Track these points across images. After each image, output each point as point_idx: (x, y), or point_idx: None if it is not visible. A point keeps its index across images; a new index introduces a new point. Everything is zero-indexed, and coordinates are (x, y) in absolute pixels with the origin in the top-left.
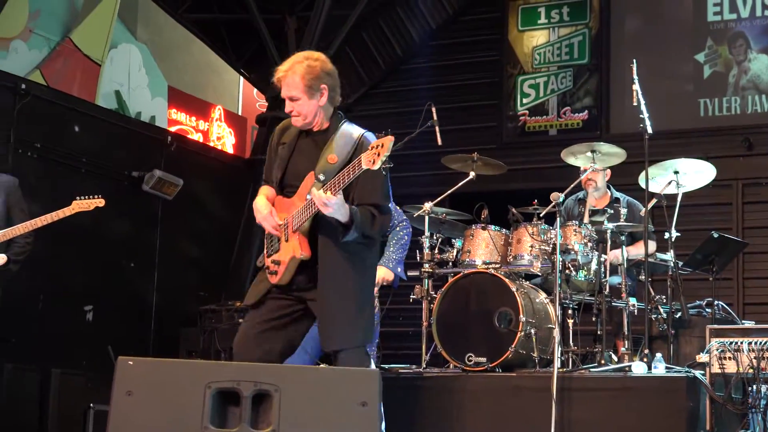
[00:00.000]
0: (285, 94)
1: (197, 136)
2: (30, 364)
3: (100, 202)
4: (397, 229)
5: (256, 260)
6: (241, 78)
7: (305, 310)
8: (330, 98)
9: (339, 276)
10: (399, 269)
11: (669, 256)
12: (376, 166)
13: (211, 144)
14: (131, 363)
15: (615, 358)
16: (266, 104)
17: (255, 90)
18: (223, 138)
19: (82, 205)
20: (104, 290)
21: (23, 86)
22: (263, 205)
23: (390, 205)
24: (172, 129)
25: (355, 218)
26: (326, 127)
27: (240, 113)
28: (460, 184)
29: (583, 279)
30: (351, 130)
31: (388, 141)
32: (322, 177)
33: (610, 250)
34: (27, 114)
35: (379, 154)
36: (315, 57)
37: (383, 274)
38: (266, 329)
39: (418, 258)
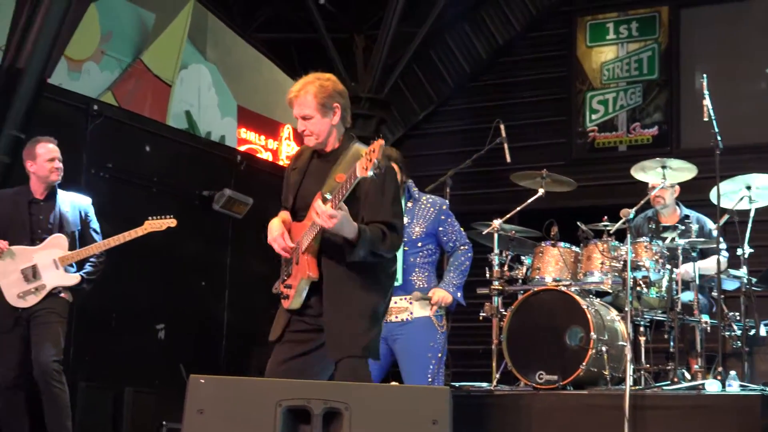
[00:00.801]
0: (297, 113)
1: (267, 155)
2: (103, 382)
3: (172, 222)
4: (459, 252)
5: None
6: None
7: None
8: (342, 118)
9: (343, 293)
10: (459, 294)
11: (742, 272)
12: (369, 173)
13: (281, 163)
14: (203, 381)
15: (688, 375)
16: None
17: None
18: None
19: (154, 225)
20: (176, 309)
21: (95, 107)
22: (276, 226)
23: (456, 226)
24: (242, 148)
25: (362, 234)
26: (337, 147)
27: None
28: (529, 201)
29: (654, 296)
30: (359, 150)
31: (378, 145)
32: (328, 196)
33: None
34: (99, 135)
35: (371, 160)
36: (326, 77)
37: (442, 295)
38: (292, 367)
39: (487, 275)
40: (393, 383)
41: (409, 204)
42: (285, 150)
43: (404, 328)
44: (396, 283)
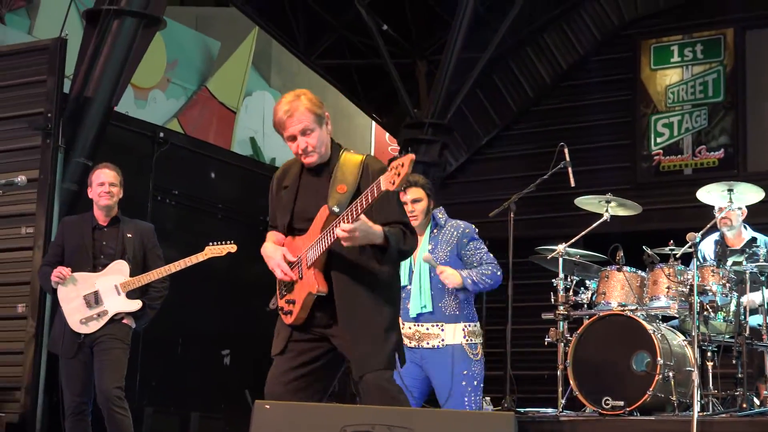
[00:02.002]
0: (295, 129)
1: None
2: (170, 407)
3: (232, 248)
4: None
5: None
6: (373, 122)
7: (333, 350)
8: (329, 127)
9: (357, 308)
10: (469, 282)
11: None
12: (398, 187)
13: None
14: (268, 407)
15: (757, 401)
16: (398, 148)
17: (387, 134)
18: None
19: (214, 250)
20: (240, 334)
21: (161, 134)
22: (273, 250)
23: (480, 250)
24: None
25: (390, 237)
26: (328, 159)
27: None
28: (594, 225)
29: (722, 321)
30: (353, 157)
31: (409, 160)
32: (336, 209)
33: (749, 290)
34: (165, 161)
35: (399, 174)
36: (304, 91)
37: (452, 272)
38: (295, 378)
39: (552, 300)
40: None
41: (435, 231)
42: None
43: (436, 355)
44: (425, 311)
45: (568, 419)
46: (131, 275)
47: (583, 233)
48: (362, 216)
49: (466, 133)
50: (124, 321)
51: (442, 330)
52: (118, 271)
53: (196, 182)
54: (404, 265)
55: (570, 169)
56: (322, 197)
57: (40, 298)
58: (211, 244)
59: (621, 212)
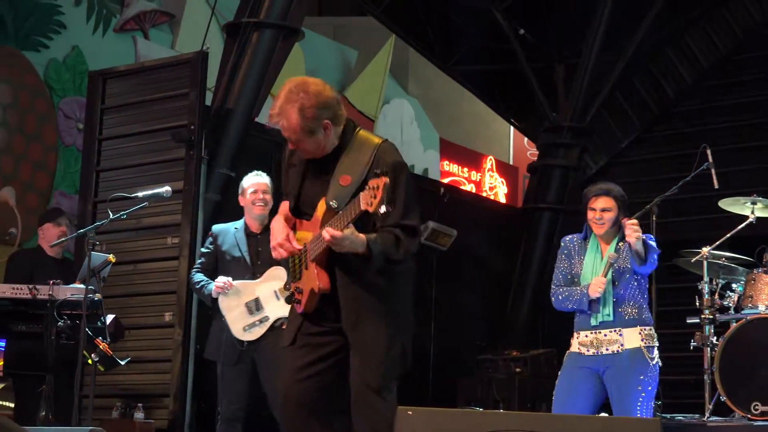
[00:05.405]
0: (284, 134)
1: (470, 187)
2: None
3: None
4: None
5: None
6: (512, 127)
7: (346, 341)
8: (336, 124)
9: (361, 309)
10: (650, 242)
11: None
12: (374, 209)
13: (484, 194)
14: (410, 413)
15: None
16: (537, 152)
17: (525, 139)
18: (496, 188)
19: None
20: None
21: None
22: (279, 229)
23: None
24: (445, 180)
25: (373, 248)
26: (337, 145)
27: (511, 162)
28: (739, 227)
29: None
30: (365, 141)
31: (382, 183)
32: (334, 204)
33: None
34: None
35: (375, 197)
36: (305, 90)
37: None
38: (309, 376)
39: (697, 304)
40: (603, 414)
41: (621, 244)
42: (488, 181)
43: (615, 360)
44: (607, 319)
45: (716, 425)
46: None
47: (728, 235)
48: (350, 227)
49: (605, 136)
50: (284, 327)
51: (621, 335)
52: (276, 276)
53: None
54: (592, 267)
55: (713, 171)
56: (324, 187)
57: (187, 307)
58: None
59: (767, 213)
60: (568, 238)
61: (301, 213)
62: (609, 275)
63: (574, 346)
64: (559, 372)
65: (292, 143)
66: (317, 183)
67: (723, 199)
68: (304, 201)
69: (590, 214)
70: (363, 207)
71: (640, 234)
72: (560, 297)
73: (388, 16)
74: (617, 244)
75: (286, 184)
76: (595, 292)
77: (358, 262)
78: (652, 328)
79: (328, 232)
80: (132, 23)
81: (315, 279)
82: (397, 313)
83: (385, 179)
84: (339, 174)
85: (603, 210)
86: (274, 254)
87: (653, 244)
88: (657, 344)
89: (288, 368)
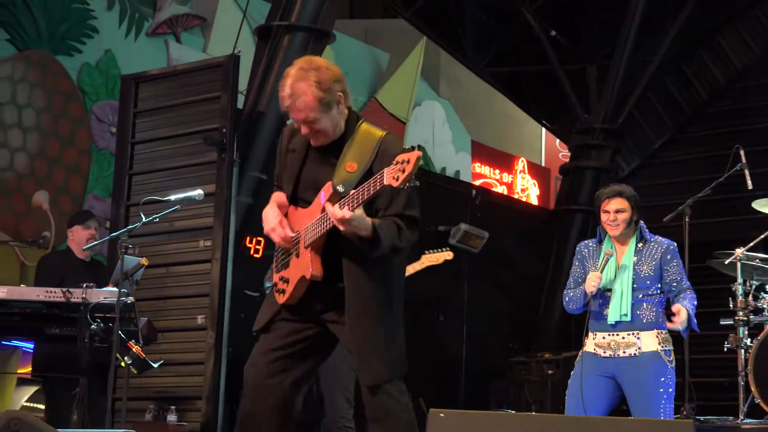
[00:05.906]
0: (296, 117)
1: (501, 189)
2: None
3: (449, 255)
4: (687, 293)
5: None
6: (543, 129)
7: (325, 333)
8: (345, 99)
9: (365, 300)
10: (693, 319)
11: None
12: (400, 184)
13: (516, 196)
14: (442, 415)
15: None
16: (569, 154)
17: (557, 140)
18: (527, 189)
19: (431, 258)
20: (415, 343)
21: None
22: (273, 215)
23: (679, 268)
24: (477, 182)
25: (379, 231)
26: (343, 132)
27: (543, 164)
28: None
29: None
30: (371, 132)
31: (415, 157)
32: (341, 188)
33: None
34: None
35: (404, 171)
36: (315, 66)
37: (682, 307)
38: (278, 358)
39: (731, 306)
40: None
41: (640, 245)
42: (520, 183)
43: (633, 363)
44: (625, 319)
45: (750, 427)
46: None
47: (762, 236)
48: (360, 208)
49: (637, 138)
50: None
51: (638, 338)
52: None
53: None
54: (607, 269)
55: (747, 172)
56: (329, 173)
57: (219, 310)
58: (426, 252)
59: None
60: (583, 244)
61: (296, 200)
62: (624, 276)
63: (590, 346)
64: (572, 372)
65: (307, 125)
66: (319, 168)
67: (757, 199)
68: (302, 186)
69: (604, 217)
70: (387, 182)
71: (684, 319)
72: (566, 299)
73: (420, 18)
74: (636, 245)
75: (282, 170)
76: (589, 287)
77: (358, 251)
78: (667, 332)
79: (340, 208)
80: (164, 27)
81: (308, 265)
82: (394, 305)
83: (418, 153)
84: (345, 160)
85: (617, 211)
86: (273, 239)
87: (694, 305)
88: (672, 347)
89: (257, 353)
